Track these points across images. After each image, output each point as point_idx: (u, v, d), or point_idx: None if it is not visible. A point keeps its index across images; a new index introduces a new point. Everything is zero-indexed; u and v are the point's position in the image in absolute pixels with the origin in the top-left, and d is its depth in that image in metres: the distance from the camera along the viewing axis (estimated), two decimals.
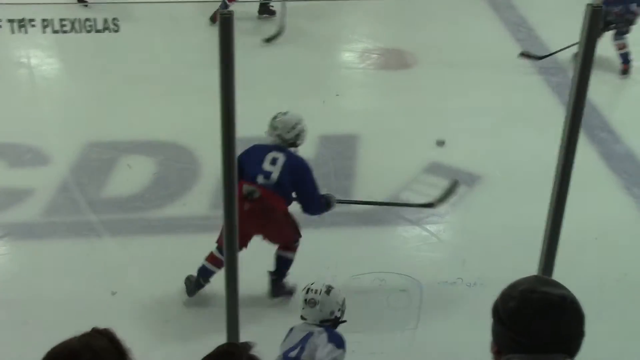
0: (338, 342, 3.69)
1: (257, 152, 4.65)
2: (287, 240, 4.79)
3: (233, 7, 7.39)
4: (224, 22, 3.57)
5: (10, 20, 4.04)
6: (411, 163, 6.12)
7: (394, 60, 7.85)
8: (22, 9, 4.11)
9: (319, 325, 3.76)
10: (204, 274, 4.71)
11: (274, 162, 4.60)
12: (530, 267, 3.14)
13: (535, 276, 2.06)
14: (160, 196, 5.77)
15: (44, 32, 4.07)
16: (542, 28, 8.35)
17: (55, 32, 4.09)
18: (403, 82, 7.52)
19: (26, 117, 6.62)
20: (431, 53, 7.89)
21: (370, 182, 5.96)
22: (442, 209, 5.37)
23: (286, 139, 4.70)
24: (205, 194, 5.74)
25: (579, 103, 3.87)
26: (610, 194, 5.93)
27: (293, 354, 3.71)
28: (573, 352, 1.88)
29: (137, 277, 4.95)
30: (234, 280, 3.26)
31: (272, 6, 8.34)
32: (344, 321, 3.83)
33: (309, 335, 3.73)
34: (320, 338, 3.69)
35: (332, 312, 3.77)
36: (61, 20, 4.09)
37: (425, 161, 6.14)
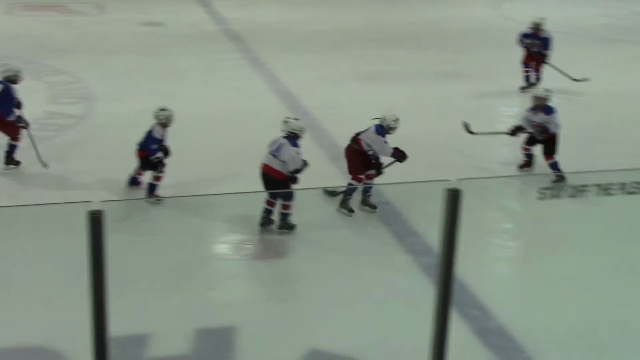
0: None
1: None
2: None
3: None
4: (94, 221, 3.55)
5: None
6: (291, 352, 6.06)
7: (268, 250, 7.92)
8: None
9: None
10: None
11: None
12: None
13: None
14: None
15: None
16: (409, 213, 8.65)
17: None
18: (278, 272, 7.57)
19: None
20: (306, 241, 8.03)
21: None
22: None
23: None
24: None
25: (447, 283, 4.01)
26: None
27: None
28: None
29: None
30: None
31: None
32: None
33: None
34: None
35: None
36: None
37: (304, 349, 6.09)
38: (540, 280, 7.45)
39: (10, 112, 9.47)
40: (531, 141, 9.80)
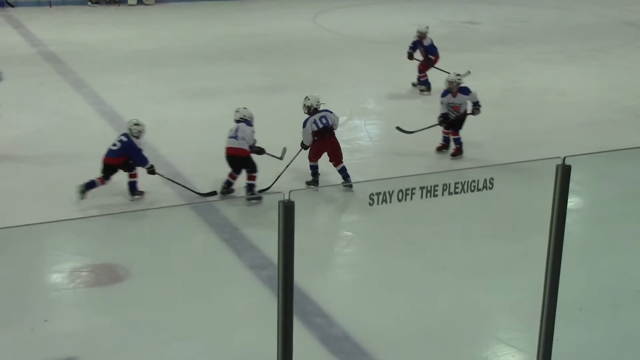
0: None
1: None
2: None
3: None
4: None
5: None
6: None
7: (105, 275, 7.73)
8: None
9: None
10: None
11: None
12: None
13: None
14: None
15: None
16: (245, 227, 8.72)
17: None
18: (117, 297, 7.40)
19: None
20: (144, 264, 7.91)
21: None
22: None
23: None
24: None
25: (288, 294, 4.08)
26: None
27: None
28: None
29: None
30: None
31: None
32: None
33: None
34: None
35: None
36: None
37: None
38: (377, 283, 7.69)
39: None
40: (452, 126, 11.07)
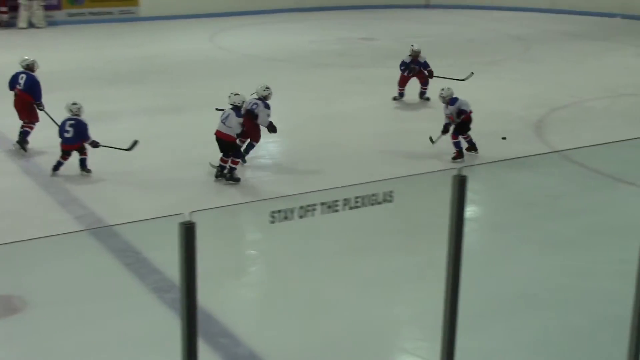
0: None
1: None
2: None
3: None
4: None
5: None
6: None
7: (1, 307, 7.47)
8: None
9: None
10: None
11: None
12: None
13: None
14: None
15: None
16: (148, 250, 8.59)
17: None
18: (15, 329, 7.16)
19: None
20: (43, 293, 7.68)
21: None
22: None
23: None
24: None
25: (191, 316, 4.04)
26: None
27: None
28: None
29: None
30: None
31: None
32: None
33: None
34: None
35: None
36: None
37: None
38: (282, 300, 7.70)
39: (40, 96, 11.64)
40: (455, 130, 11.83)
